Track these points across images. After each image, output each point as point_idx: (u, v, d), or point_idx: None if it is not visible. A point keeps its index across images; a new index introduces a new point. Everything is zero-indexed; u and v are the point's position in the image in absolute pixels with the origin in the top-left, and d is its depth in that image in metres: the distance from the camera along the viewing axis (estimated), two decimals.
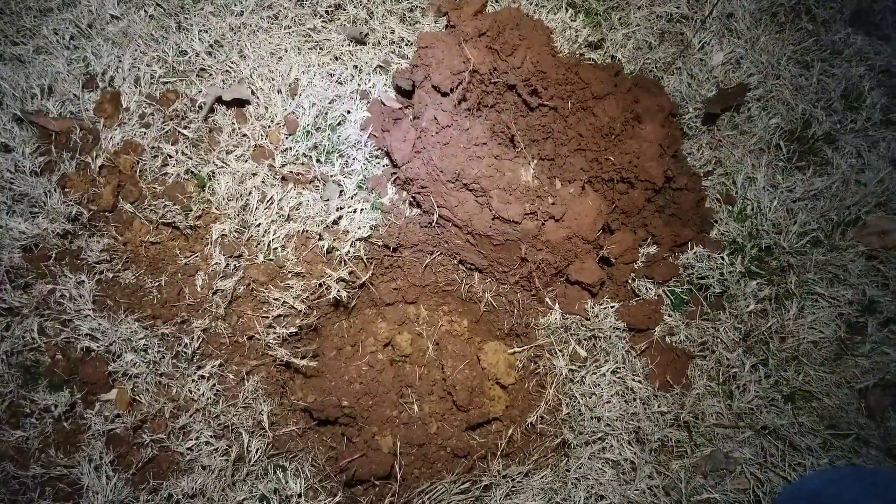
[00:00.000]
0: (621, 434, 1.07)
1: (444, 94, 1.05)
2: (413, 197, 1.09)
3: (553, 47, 1.08)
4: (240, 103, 1.08)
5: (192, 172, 1.06)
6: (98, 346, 0.99)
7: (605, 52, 1.17)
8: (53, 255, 1.01)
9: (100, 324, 0.99)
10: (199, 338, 1.01)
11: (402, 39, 1.14)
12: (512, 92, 1.07)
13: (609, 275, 1.10)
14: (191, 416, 1.00)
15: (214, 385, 1.01)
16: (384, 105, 1.10)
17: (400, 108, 1.11)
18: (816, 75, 1.17)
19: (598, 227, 1.04)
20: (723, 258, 1.10)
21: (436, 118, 1.04)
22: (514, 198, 1.03)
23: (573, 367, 1.08)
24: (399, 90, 1.11)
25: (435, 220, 1.06)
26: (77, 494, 0.97)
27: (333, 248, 1.06)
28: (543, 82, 1.06)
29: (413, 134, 1.05)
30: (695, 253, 1.10)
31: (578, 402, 1.07)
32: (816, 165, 1.16)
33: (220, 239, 1.04)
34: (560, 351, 1.09)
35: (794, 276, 1.10)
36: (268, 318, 1.04)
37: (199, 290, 1.02)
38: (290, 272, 1.05)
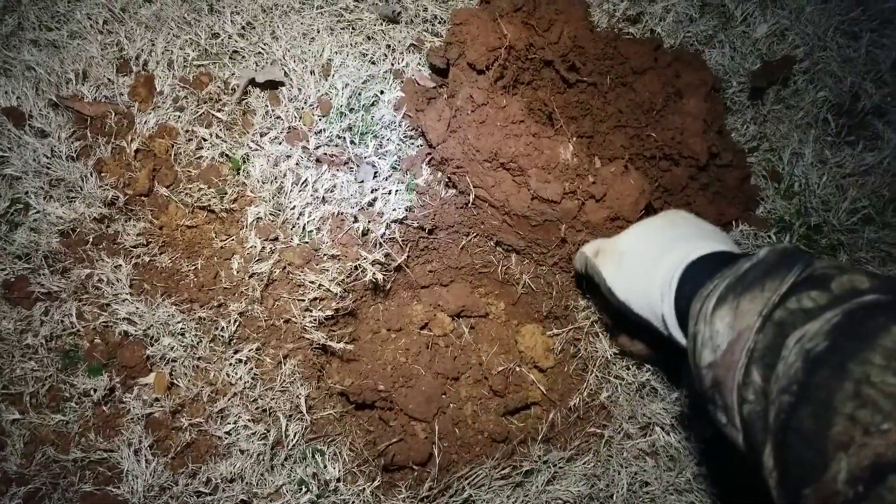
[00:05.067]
0: (665, 420, 1.04)
1: (480, 72, 1.03)
2: (448, 177, 1.06)
3: (590, 22, 1.05)
4: (273, 85, 1.07)
5: (226, 155, 1.05)
6: (136, 331, 0.99)
7: (644, 26, 1.14)
8: (90, 240, 1.00)
9: (137, 308, 0.99)
10: (235, 321, 1.00)
11: (436, 17, 1.12)
12: (549, 68, 1.05)
13: None
14: (228, 400, 0.99)
15: (252, 369, 1.00)
16: (418, 84, 1.08)
17: (434, 87, 1.08)
18: (865, 46, 1.12)
19: (641, 208, 1.01)
20: (770, 236, 1.06)
21: (471, 96, 1.02)
22: (553, 177, 1.00)
23: (616, 351, 1.05)
24: (433, 69, 1.09)
25: (471, 200, 1.04)
26: (117, 478, 0.97)
27: (368, 230, 1.04)
28: (581, 58, 1.03)
29: (448, 113, 1.03)
30: (740, 231, 1.06)
31: (621, 387, 1.05)
32: (866, 140, 1.11)
33: (255, 222, 1.03)
34: (602, 333, 1.06)
35: (845, 255, 1.06)
36: (304, 301, 1.02)
37: (235, 273, 1.01)
38: (325, 255, 1.03)
